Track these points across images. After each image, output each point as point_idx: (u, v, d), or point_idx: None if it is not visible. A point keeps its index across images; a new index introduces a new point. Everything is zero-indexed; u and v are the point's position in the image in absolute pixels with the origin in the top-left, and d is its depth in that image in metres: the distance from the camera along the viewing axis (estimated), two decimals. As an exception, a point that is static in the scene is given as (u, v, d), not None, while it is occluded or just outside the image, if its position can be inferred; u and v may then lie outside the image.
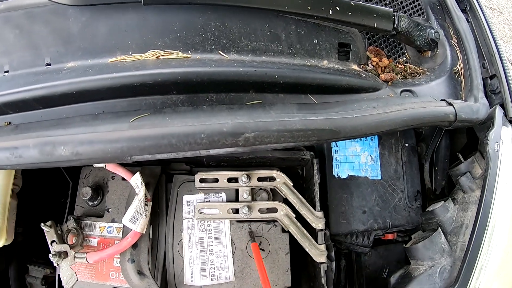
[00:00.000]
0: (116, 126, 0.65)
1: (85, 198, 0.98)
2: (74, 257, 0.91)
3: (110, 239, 0.96)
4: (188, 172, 1.00)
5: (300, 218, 0.90)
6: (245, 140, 0.64)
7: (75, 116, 0.73)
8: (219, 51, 0.78)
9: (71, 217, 0.97)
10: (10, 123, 0.75)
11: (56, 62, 0.76)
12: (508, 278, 0.80)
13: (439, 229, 0.85)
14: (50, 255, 0.90)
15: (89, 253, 0.90)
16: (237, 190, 0.94)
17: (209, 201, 0.94)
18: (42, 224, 0.91)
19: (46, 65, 0.76)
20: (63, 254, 0.91)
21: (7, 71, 0.77)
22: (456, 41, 0.93)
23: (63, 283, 0.93)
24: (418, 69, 0.95)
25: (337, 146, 1.00)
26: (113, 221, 0.97)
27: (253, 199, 0.93)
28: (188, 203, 0.95)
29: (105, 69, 0.72)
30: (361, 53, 0.92)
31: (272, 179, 0.93)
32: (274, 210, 0.91)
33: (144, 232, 0.89)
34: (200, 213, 0.91)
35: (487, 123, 0.87)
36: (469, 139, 0.99)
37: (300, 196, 0.91)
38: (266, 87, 0.78)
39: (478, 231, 0.80)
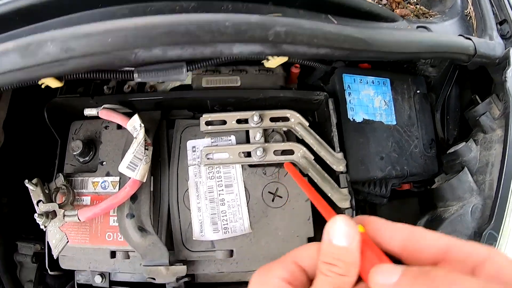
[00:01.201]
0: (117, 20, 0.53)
1: (75, 153, 0.86)
2: (64, 215, 0.78)
3: (104, 195, 0.84)
4: (191, 118, 0.91)
5: (318, 161, 0.83)
6: (276, 35, 0.54)
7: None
8: None
9: (60, 174, 0.85)
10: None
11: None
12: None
13: (465, 168, 0.81)
14: (35, 215, 0.77)
15: (80, 210, 0.78)
16: (247, 132, 0.86)
17: (217, 145, 0.85)
18: (26, 181, 0.79)
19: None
20: (51, 215, 0.79)
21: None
22: (466, -18, 0.92)
23: (52, 249, 0.80)
24: (428, 11, 0.93)
25: (350, 88, 0.94)
26: (107, 174, 0.86)
27: (266, 141, 0.85)
28: (194, 149, 0.85)
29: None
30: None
31: (286, 119, 0.86)
32: (290, 152, 0.83)
33: (144, 181, 0.78)
34: (207, 158, 0.82)
35: (502, 63, 0.85)
36: (479, 87, 0.97)
37: (318, 137, 0.84)
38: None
39: (507, 168, 0.76)
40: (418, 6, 0.93)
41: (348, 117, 0.92)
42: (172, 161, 0.84)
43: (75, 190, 0.86)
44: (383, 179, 0.94)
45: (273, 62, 0.72)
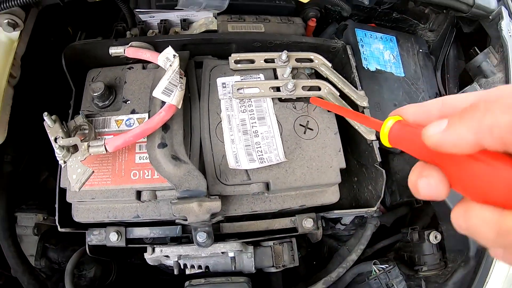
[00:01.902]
0: None
1: (96, 94, 0.82)
2: (88, 147, 0.72)
3: None
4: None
5: (343, 97, 0.87)
6: None
7: None
8: None
9: (80, 112, 0.80)
10: None
11: None
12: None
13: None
14: (55, 147, 0.72)
15: (108, 139, 0.73)
16: (274, 71, 0.88)
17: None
18: (45, 113, 0.73)
19: None
20: (71, 148, 0.74)
21: None
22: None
23: (72, 184, 0.72)
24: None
25: (362, 41, 1.01)
26: (133, 112, 0.83)
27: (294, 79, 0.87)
28: (224, 85, 0.85)
29: None
30: None
31: (310, 60, 0.89)
32: (317, 89, 0.86)
33: (180, 107, 0.76)
34: (239, 92, 0.83)
35: (496, 18, 0.96)
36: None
37: (340, 76, 0.88)
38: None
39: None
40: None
41: (363, 66, 0.98)
42: (202, 96, 0.84)
43: (96, 130, 0.81)
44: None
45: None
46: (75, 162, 0.73)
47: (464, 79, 1.08)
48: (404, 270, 0.90)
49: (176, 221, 0.77)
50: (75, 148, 0.74)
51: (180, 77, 0.76)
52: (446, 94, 1.10)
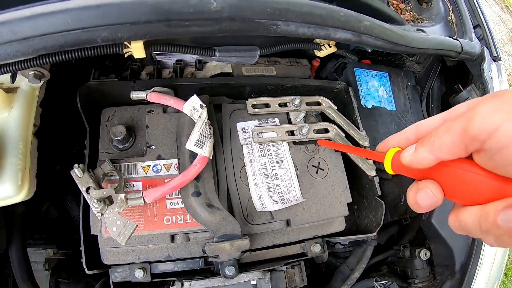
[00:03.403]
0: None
1: (117, 138, 0.84)
2: (127, 199, 0.76)
3: (157, 179, 0.85)
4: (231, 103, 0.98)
5: (347, 137, 0.97)
6: (363, 27, 0.69)
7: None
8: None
9: (106, 159, 0.82)
10: None
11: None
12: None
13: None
14: (92, 201, 0.74)
15: (145, 191, 0.78)
16: (287, 115, 0.96)
17: (264, 126, 0.93)
18: (76, 165, 0.75)
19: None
20: (106, 200, 0.76)
21: None
22: (447, -4, 1.16)
23: (114, 236, 0.75)
24: (419, 17, 1.14)
25: (360, 80, 1.11)
26: (159, 158, 0.87)
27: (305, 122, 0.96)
28: (244, 130, 0.92)
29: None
30: (385, -4, 1.06)
31: (319, 104, 0.98)
32: (326, 131, 0.95)
33: (211, 157, 0.82)
34: (259, 136, 0.90)
35: (478, 59, 1.08)
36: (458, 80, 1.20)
37: (345, 118, 0.98)
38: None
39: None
40: (412, 13, 1.14)
41: (361, 103, 1.08)
42: (224, 141, 0.90)
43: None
44: (390, 156, 1.11)
45: (325, 52, 0.84)
46: (112, 214, 0.75)
47: (447, 108, 1.21)
48: (398, 283, 1.04)
49: (209, 259, 0.84)
50: (109, 199, 0.77)
51: (209, 128, 0.82)
52: (430, 122, 1.24)
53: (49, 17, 0.48)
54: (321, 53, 0.88)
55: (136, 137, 0.90)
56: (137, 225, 0.75)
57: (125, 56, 0.69)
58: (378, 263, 1.17)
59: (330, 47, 0.87)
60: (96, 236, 0.83)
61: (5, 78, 0.79)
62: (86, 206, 0.85)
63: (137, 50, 0.65)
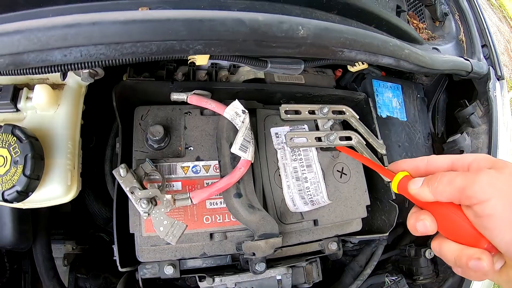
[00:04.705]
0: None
1: (155, 138, 0.87)
2: (174, 200, 0.79)
3: (197, 180, 0.89)
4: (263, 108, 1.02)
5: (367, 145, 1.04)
6: (404, 55, 0.76)
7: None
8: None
9: (146, 159, 0.84)
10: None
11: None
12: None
13: (464, 152, 1.13)
14: (140, 203, 0.75)
15: (192, 192, 0.81)
16: (315, 121, 1.03)
17: (295, 131, 0.99)
18: (118, 169, 0.76)
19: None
20: (152, 201, 0.77)
21: None
22: (458, 16, 1.25)
23: (162, 236, 0.77)
24: (433, 34, 1.23)
25: (377, 91, 1.19)
26: (198, 159, 0.91)
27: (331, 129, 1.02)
28: (277, 135, 0.97)
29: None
30: (405, 14, 1.14)
31: (343, 112, 1.05)
32: (349, 138, 1.02)
33: (253, 161, 0.86)
34: (292, 141, 0.95)
35: (484, 78, 1.17)
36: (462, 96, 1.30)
37: (365, 127, 1.05)
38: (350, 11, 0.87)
39: (492, 150, 1.10)
40: (427, 30, 1.22)
41: (378, 113, 1.16)
42: (260, 145, 0.96)
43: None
44: (400, 163, 1.20)
45: (357, 68, 0.91)
46: (159, 214, 0.77)
47: (451, 120, 1.31)
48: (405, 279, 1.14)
49: (245, 256, 0.89)
50: (154, 198, 0.78)
51: (251, 133, 0.87)
52: (435, 132, 1.34)
53: (151, 24, 0.51)
54: (354, 68, 0.95)
55: (171, 137, 0.93)
56: (187, 225, 0.78)
57: (188, 62, 0.72)
58: (383, 261, 1.27)
59: (363, 64, 0.94)
60: (127, 233, 0.86)
61: (52, 74, 0.80)
62: (120, 204, 0.87)
63: (202, 58, 0.69)
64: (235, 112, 0.88)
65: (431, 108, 1.32)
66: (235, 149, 0.84)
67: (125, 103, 0.95)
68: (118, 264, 0.84)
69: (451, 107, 1.31)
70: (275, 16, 0.57)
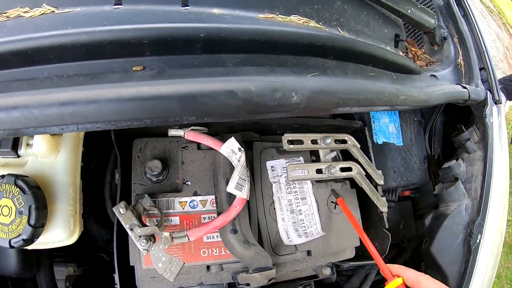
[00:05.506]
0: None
1: (154, 173, 0.89)
2: (172, 237, 0.82)
3: (194, 215, 0.91)
4: (259, 140, 1.04)
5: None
6: (399, 101, 0.78)
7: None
8: (338, 27, 0.87)
9: (145, 196, 0.86)
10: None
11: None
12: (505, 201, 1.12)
13: (459, 179, 1.14)
14: (139, 241, 0.78)
15: (189, 230, 0.84)
16: (311, 153, 1.04)
17: (291, 164, 1.00)
18: (118, 206, 0.79)
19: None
20: (151, 238, 0.80)
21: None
22: (457, 39, 1.25)
23: (161, 272, 0.80)
24: (432, 59, 1.23)
25: (374, 117, 1.20)
26: (195, 194, 0.93)
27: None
28: (272, 168, 0.99)
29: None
30: (404, 43, 1.14)
31: (345, 141, 1.05)
32: (349, 169, 1.03)
33: (248, 199, 0.89)
34: (292, 175, 0.96)
35: (482, 103, 1.17)
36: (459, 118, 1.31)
37: (366, 157, 1.06)
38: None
39: (487, 178, 1.10)
40: (425, 55, 1.22)
41: (373, 139, 1.18)
42: (255, 179, 0.98)
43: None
44: (394, 188, 1.22)
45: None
46: (157, 251, 0.81)
47: (448, 141, 1.31)
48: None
49: (239, 286, 0.92)
50: (153, 237, 0.81)
51: (246, 171, 0.89)
52: (432, 154, 1.35)
53: (145, 103, 0.53)
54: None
55: (169, 170, 0.95)
56: (184, 263, 0.81)
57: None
58: (378, 282, 1.30)
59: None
60: (127, 261, 0.89)
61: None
62: (120, 236, 0.90)
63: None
64: (231, 149, 0.89)
65: (428, 130, 1.33)
66: (230, 188, 0.86)
67: (123, 134, 0.97)
68: None
69: (449, 128, 1.31)
70: (268, 85, 0.58)
